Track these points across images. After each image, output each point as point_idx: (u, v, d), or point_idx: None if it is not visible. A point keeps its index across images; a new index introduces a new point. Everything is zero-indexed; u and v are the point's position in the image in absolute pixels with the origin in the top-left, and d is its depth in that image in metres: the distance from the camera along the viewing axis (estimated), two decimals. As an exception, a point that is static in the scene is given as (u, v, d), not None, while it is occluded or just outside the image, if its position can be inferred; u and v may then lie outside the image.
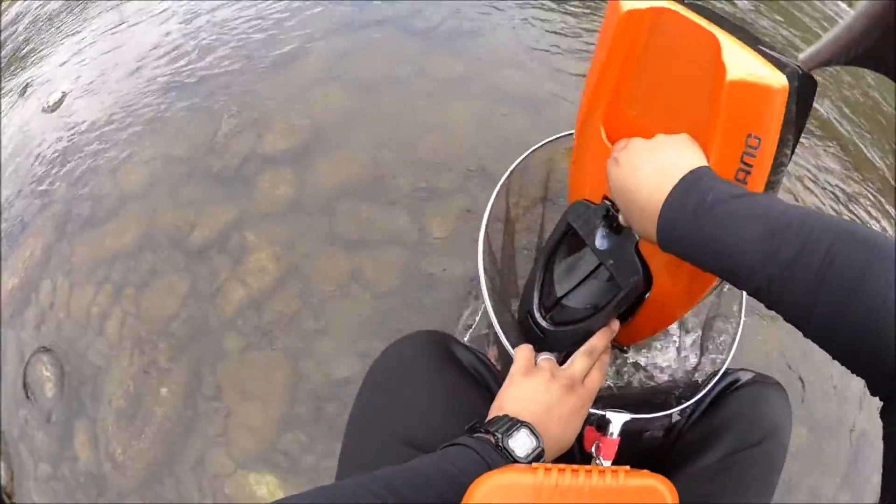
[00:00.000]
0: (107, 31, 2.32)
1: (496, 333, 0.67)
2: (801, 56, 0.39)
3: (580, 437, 0.63)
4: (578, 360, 0.59)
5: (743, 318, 0.82)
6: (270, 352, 1.42)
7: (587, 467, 0.43)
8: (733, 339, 0.82)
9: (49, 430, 1.41)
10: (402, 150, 1.58)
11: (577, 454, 0.66)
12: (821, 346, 0.38)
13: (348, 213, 1.55)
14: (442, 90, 1.71)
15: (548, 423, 0.52)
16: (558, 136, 0.95)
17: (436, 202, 1.48)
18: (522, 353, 0.60)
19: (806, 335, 0.39)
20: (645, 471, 0.44)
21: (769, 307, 0.40)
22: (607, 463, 0.62)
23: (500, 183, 0.89)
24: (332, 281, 1.50)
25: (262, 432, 1.32)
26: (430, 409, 0.61)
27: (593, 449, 0.63)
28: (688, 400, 0.73)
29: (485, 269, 0.76)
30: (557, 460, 0.55)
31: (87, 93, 2.05)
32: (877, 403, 0.38)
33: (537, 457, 0.49)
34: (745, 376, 0.78)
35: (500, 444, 0.48)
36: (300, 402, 1.34)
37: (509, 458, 0.47)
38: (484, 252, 0.81)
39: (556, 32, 1.81)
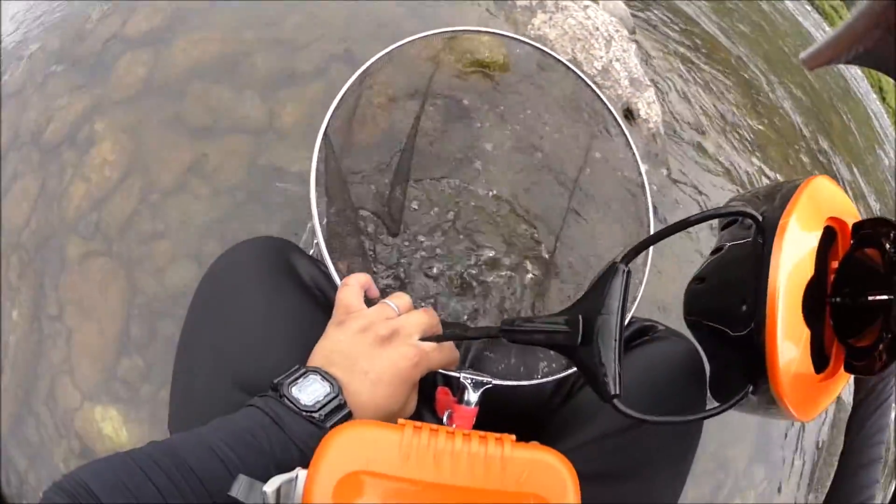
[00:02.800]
0: None
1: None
2: (803, 55, 0.39)
3: (432, 400, 0.54)
4: (415, 314, 0.47)
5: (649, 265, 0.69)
6: (108, 260, 1.29)
7: (465, 431, 0.36)
8: (640, 282, 0.68)
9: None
10: (264, 29, 1.41)
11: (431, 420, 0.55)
12: None
13: (198, 96, 1.40)
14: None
15: (352, 379, 0.42)
16: (430, 33, 0.76)
17: (291, 87, 1.33)
18: (343, 296, 0.48)
19: None
20: (534, 443, 0.37)
21: None
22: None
23: (350, 81, 0.69)
24: (173, 173, 1.36)
25: (102, 357, 1.21)
26: (264, 344, 0.50)
27: (444, 417, 0.52)
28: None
29: (318, 177, 0.60)
30: None
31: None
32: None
33: (336, 409, 0.40)
34: (653, 330, 0.65)
35: (283, 392, 0.40)
36: (135, 319, 1.22)
37: (295, 409, 0.39)
38: (320, 159, 0.62)
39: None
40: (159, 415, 1.10)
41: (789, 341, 0.38)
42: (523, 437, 0.63)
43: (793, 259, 0.39)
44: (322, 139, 0.63)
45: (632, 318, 0.66)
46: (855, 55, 0.36)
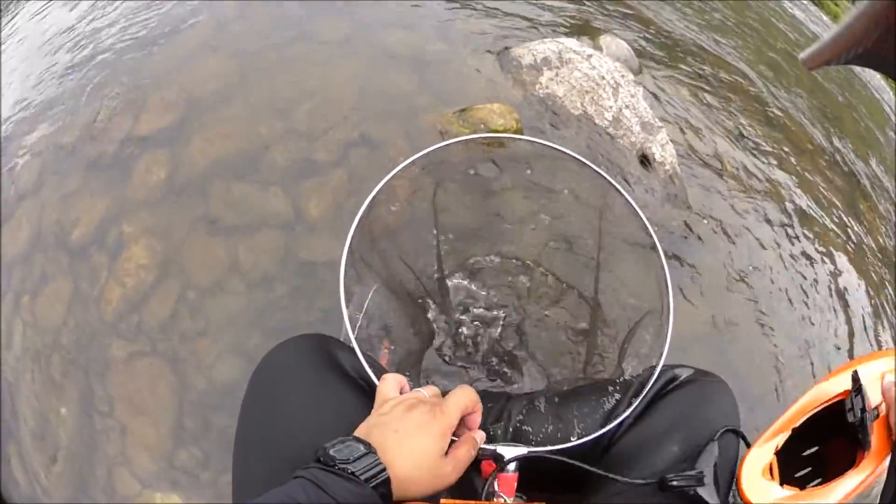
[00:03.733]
0: None
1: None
2: (802, 55, 0.39)
3: (478, 472, 0.58)
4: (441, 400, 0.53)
5: (672, 309, 0.72)
6: (154, 358, 1.32)
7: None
8: (665, 332, 0.71)
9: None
10: (278, 121, 1.44)
11: (479, 491, 0.58)
12: None
13: (221, 194, 1.43)
14: (324, 54, 1.56)
15: (385, 440, 0.47)
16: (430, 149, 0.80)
17: (313, 177, 1.36)
18: (382, 388, 0.54)
19: None
20: None
21: None
22: (509, 499, 0.57)
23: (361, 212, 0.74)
24: (209, 273, 1.38)
25: (158, 449, 1.25)
26: (315, 428, 0.55)
27: (494, 484, 0.57)
28: (623, 405, 0.64)
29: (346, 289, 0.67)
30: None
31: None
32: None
33: (370, 465, 0.44)
34: (683, 373, 0.68)
35: (320, 455, 0.45)
36: (188, 414, 1.26)
37: (332, 469, 0.43)
38: (347, 264, 0.69)
39: (445, 2, 1.68)
40: (224, 498, 1.13)
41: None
42: (569, 488, 0.65)
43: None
44: (347, 254, 0.69)
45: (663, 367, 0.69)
46: (855, 55, 0.36)
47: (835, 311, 1.71)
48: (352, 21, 1.65)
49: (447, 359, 1.16)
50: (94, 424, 1.28)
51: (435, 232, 1.21)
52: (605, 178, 0.83)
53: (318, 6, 1.71)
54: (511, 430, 0.70)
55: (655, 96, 1.60)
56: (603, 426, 0.64)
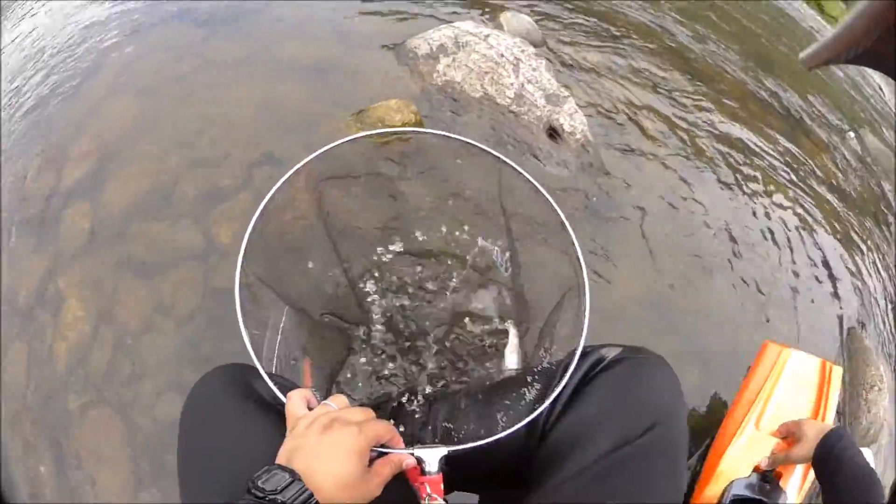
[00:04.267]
0: None
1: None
2: (802, 55, 0.40)
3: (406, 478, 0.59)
4: (351, 410, 0.56)
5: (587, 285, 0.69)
6: (103, 407, 1.35)
7: None
8: (584, 311, 0.69)
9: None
10: (184, 152, 1.43)
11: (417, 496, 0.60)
12: None
13: (140, 236, 1.43)
14: (222, 78, 1.54)
15: (309, 465, 0.49)
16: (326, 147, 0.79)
17: (220, 204, 1.34)
18: (289, 408, 0.56)
19: None
20: None
21: None
22: (440, 498, 0.58)
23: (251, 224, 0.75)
24: (137, 315, 1.39)
25: (123, 495, 1.28)
26: (247, 458, 0.56)
27: (426, 488, 0.59)
28: (541, 396, 0.62)
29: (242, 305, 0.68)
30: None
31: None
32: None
33: (297, 492, 0.46)
34: (611, 353, 0.64)
35: (250, 487, 0.46)
36: (141, 456, 1.28)
37: (268, 502, 0.45)
38: (241, 284, 0.70)
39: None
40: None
41: None
42: (513, 484, 0.64)
43: None
44: (241, 267, 0.70)
45: (586, 346, 0.66)
46: (854, 54, 0.36)
47: (791, 249, 1.66)
48: (248, 40, 1.62)
49: (368, 366, 1.14)
50: (69, 479, 1.30)
51: (330, 238, 1.18)
52: (496, 156, 0.81)
53: (215, 31, 1.69)
54: (439, 431, 0.69)
55: (562, 65, 1.56)
56: (527, 417, 0.62)
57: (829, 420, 1.12)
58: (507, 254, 1.14)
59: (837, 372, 1.19)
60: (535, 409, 0.62)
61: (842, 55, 0.37)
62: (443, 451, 0.59)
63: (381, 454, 0.55)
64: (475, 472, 0.68)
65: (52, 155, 1.65)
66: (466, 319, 1.17)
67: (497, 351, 1.15)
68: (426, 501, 0.57)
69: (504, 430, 0.62)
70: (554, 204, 0.85)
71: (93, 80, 1.79)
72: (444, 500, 0.59)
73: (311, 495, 0.46)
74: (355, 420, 0.53)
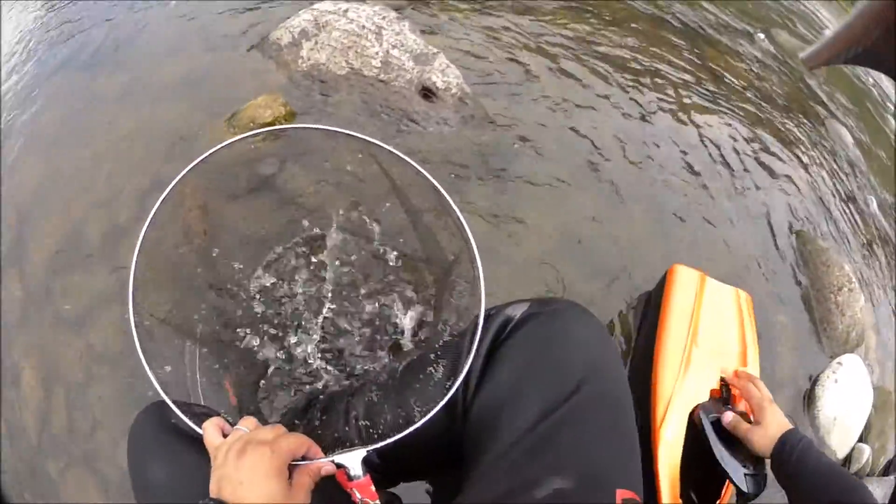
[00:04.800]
0: None
1: None
2: (802, 55, 0.41)
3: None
4: (261, 429, 0.57)
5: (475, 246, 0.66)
6: (75, 466, 1.40)
7: None
8: (477, 274, 0.65)
9: None
10: (85, 197, 1.44)
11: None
12: None
13: (62, 290, 1.45)
14: (111, 113, 1.54)
15: (235, 492, 0.51)
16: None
17: (122, 239, 1.36)
18: (207, 440, 0.58)
19: None
20: None
21: None
22: (372, 501, 0.57)
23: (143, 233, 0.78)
24: (77, 369, 1.43)
25: None
26: (183, 495, 0.59)
27: (356, 494, 0.58)
28: (451, 372, 0.59)
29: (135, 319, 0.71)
30: None
31: None
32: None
33: None
34: (517, 311, 0.60)
35: None
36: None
37: None
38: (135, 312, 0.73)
39: (203, 7, 1.60)
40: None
41: None
42: (452, 466, 0.63)
43: None
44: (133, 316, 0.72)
45: (489, 309, 0.62)
46: (854, 54, 0.37)
47: (717, 164, 1.59)
48: (128, 70, 1.62)
49: (284, 380, 1.15)
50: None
51: (216, 253, 1.19)
52: (348, 134, 0.79)
53: (100, 69, 1.69)
54: (362, 431, 0.67)
55: (429, 25, 1.50)
56: (441, 400, 0.60)
57: (754, 352, 1.08)
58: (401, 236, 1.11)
59: (749, 300, 1.16)
60: (448, 390, 0.59)
61: (842, 54, 0.37)
62: (361, 452, 0.58)
63: (300, 465, 0.55)
64: (410, 462, 0.66)
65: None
66: (363, 302, 1.16)
67: (401, 332, 1.14)
68: None
69: (422, 416, 0.60)
70: (417, 166, 0.83)
71: (4, 150, 1.81)
72: (377, 502, 0.57)
73: None
74: (267, 439, 0.53)
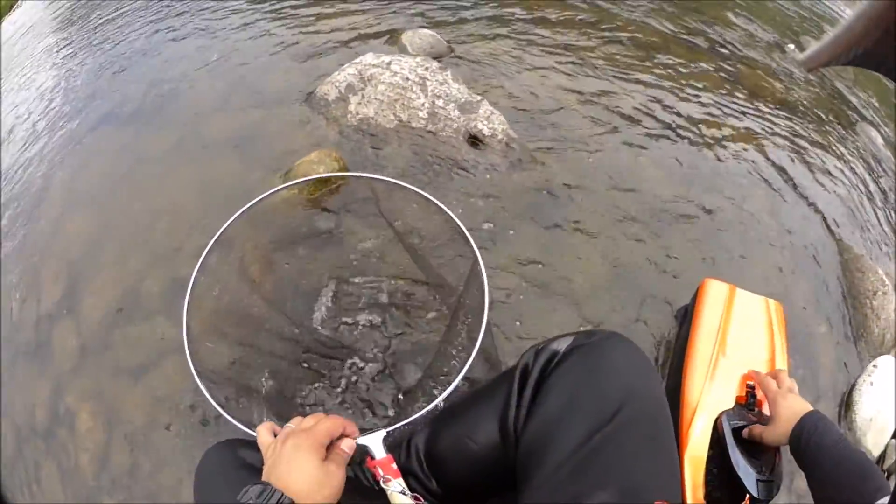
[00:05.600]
0: None
1: None
2: (801, 56, 0.42)
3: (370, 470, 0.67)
4: (305, 420, 0.66)
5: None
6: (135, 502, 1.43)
7: None
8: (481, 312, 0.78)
9: None
10: (141, 251, 1.49)
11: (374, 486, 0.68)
12: None
13: (122, 341, 1.50)
14: (161, 168, 1.60)
15: (280, 475, 0.58)
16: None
17: (183, 293, 1.41)
18: (260, 442, 0.66)
19: None
20: None
21: None
22: (397, 481, 0.64)
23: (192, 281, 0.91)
24: (141, 414, 1.46)
25: None
26: None
27: (379, 471, 0.66)
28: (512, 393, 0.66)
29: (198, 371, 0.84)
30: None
31: None
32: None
33: (271, 495, 0.55)
34: (562, 345, 0.65)
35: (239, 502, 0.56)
36: None
37: None
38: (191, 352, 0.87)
39: (247, 63, 1.66)
40: None
41: None
42: (502, 496, 0.69)
43: None
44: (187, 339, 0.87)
45: (537, 344, 0.68)
46: (854, 56, 0.37)
47: (759, 184, 1.64)
48: (175, 126, 1.67)
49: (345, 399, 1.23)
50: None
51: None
52: (398, 184, 0.88)
53: (143, 125, 1.74)
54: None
55: (471, 70, 1.57)
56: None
57: (783, 359, 1.11)
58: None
59: (779, 308, 1.20)
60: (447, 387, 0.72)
61: (842, 56, 0.37)
62: (381, 433, 0.67)
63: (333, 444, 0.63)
64: (469, 487, 0.71)
65: (29, 282, 1.73)
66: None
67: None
68: (381, 483, 0.64)
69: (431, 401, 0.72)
70: (453, 216, 0.90)
71: (45, 204, 1.86)
72: (399, 480, 0.65)
73: (282, 494, 0.55)
74: (307, 426, 0.62)
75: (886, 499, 0.65)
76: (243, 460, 0.71)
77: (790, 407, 0.86)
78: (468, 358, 0.73)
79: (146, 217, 1.55)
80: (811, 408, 0.85)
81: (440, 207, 0.89)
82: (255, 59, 1.68)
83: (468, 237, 0.83)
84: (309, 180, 1.27)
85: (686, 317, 1.22)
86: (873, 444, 1.36)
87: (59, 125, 1.92)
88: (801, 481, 1.27)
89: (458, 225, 0.85)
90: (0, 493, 1.33)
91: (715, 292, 1.17)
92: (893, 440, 1.40)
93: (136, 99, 1.78)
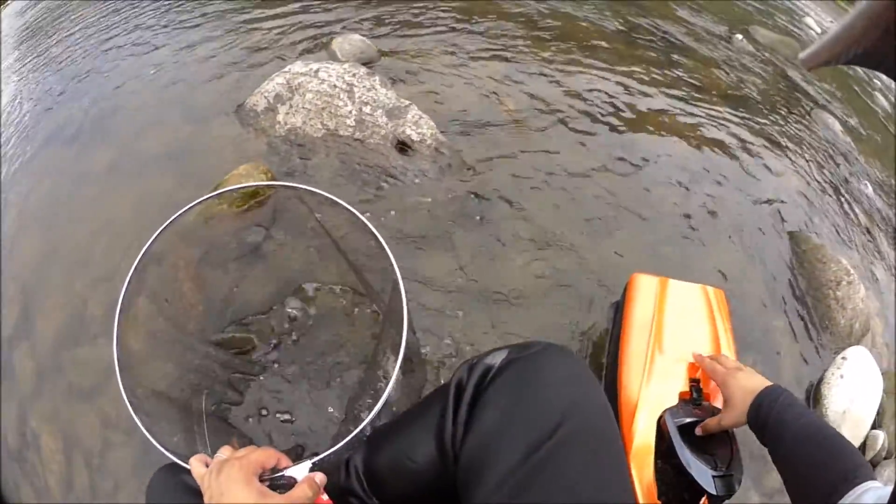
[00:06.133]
0: None
1: None
2: (801, 56, 0.39)
3: None
4: (237, 452, 0.66)
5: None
6: None
7: None
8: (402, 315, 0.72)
9: None
10: (84, 272, 1.49)
11: None
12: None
13: (71, 363, 1.51)
14: (101, 188, 1.59)
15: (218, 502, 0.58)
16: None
17: (123, 314, 1.41)
18: (195, 476, 0.65)
19: None
20: None
21: None
22: None
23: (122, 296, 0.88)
24: (95, 436, 1.50)
25: None
26: None
27: None
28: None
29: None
30: None
31: None
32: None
33: None
34: (497, 359, 0.62)
35: None
36: None
37: None
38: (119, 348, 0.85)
39: (181, 77, 1.63)
40: None
41: None
42: None
43: None
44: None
45: (472, 358, 0.66)
46: (854, 55, 0.36)
47: (702, 184, 1.60)
48: (112, 143, 1.66)
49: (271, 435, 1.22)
50: None
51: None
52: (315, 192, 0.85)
53: (85, 143, 1.73)
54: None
55: (400, 76, 1.52)
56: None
57: (728, 346, 1.07)
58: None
59: (719, 294, 1.15)
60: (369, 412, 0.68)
61: (841, 55, 0.36)
62: (307, 464, 0.65)
63: (265, 479, 0.63)
64: (407, 503, 0.70)
65: (-11, 308, 1.74)
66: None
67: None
68: None
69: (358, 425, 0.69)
70: (369, 225, 0.88)
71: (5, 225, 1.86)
72: None
73: None
74: (238, 456, 0.62)
75: (883, 492, 0.57)
76: (187, 485, 0.71)
77: (743, 385, 0.80)
78: (389, 381, 0.70)
79: (86, 238, 1.55)
80: (769, 383, 0.79)
81: (355, 215, 0.86)
82: (190, 71, 1.65)
83: (387, 251, 0.79)
84: (223, 192, 1.24)
85: (617, 314, 1.19)
86: (850, 436, 1.34)
87: (8, 152, 1.93)
88: (770, 480, 1.25)
89: (378, 238, 0.81)
90: (0, 493, 1.37)
91: (644, 286, 1.13)
92: (874, 430, 1.36)
93: (77, 119, 1.77)
